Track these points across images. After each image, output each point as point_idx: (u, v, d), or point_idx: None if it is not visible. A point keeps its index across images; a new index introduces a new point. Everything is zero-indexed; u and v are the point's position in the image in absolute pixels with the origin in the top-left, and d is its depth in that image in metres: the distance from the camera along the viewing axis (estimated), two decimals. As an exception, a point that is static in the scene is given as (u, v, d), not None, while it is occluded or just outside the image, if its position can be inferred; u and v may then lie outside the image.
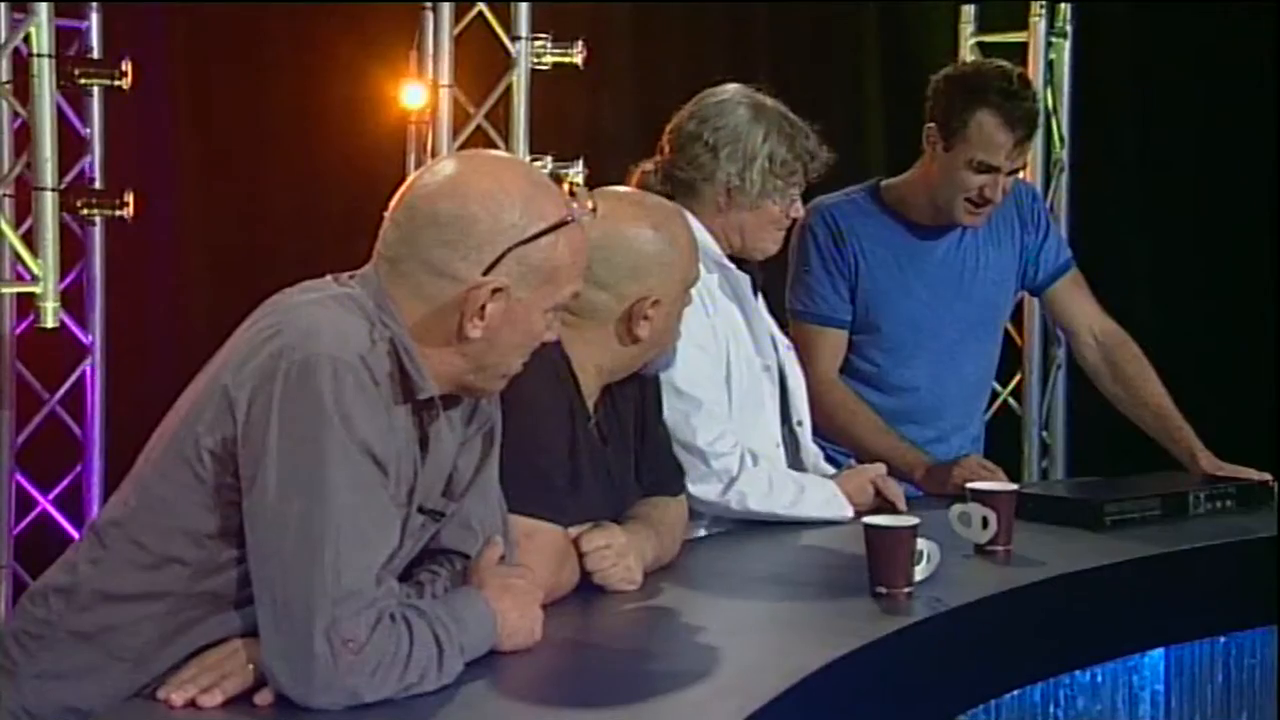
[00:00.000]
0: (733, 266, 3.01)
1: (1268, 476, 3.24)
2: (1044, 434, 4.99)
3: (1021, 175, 4.60)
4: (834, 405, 3.35)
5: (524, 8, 3.97)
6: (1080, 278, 3.59)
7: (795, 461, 3.09)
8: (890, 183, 3.51)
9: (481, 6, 4.02)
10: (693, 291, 2.81)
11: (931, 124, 3.38)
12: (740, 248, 3.02)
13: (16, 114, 3.66)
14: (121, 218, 3.85)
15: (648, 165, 3.05)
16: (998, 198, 3.34)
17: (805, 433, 3.13)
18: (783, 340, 3.16)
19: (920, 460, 3.31)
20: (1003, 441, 4.79)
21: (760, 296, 3.14)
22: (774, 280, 3.36)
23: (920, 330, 3.46)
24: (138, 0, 4.25)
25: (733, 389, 2.93)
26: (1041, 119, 4.75)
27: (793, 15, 5.24)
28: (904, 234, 3.46)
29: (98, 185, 4.02)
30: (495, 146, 3.93)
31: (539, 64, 4.01)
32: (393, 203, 2.06)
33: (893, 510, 2.93)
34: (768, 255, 3.08)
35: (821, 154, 3.01)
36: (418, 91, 4.09)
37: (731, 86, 3.04)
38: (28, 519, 4.07)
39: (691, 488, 2.80)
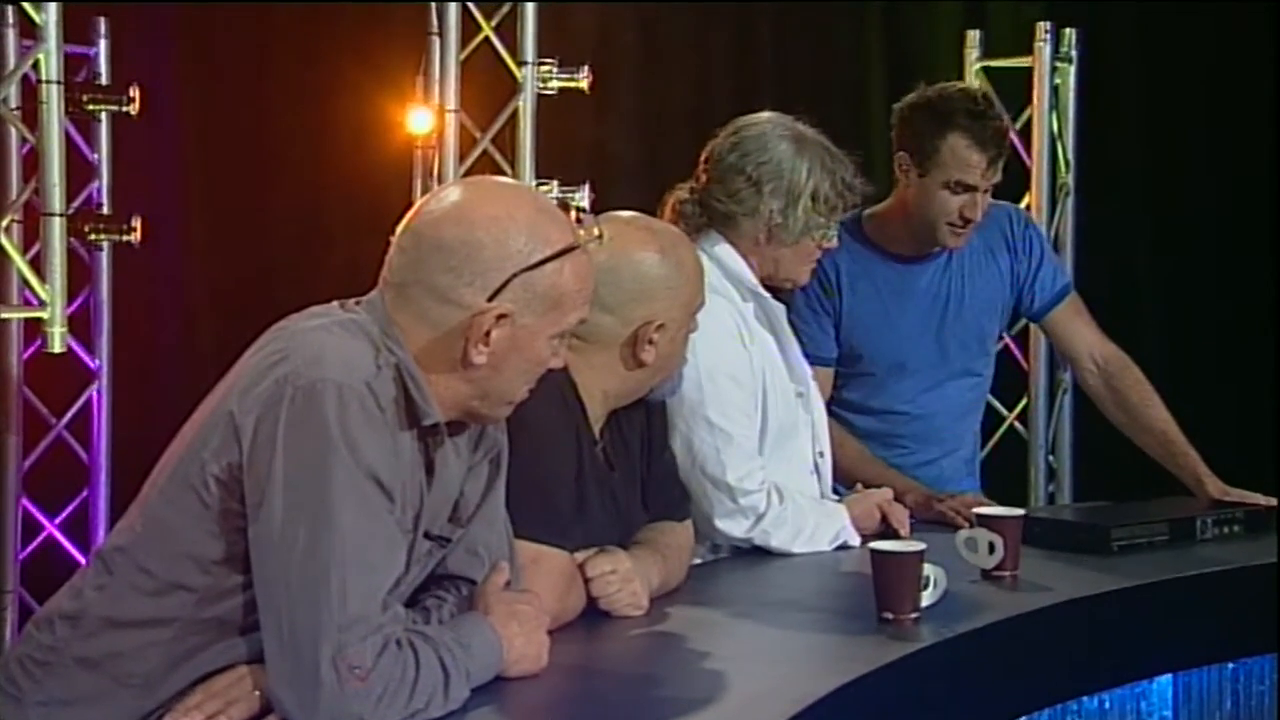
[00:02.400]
0: (768, 296, 2.99)
1: (1275, 501, 3.23)
2: (1050, 458, 4.97)
3: (1027, 200, 4.67)
4: None
5: (530, 33, 3.97)
6: (1080, 303, 3.58)
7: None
8: (871, 213, 3.49)
9: (488, 31, 4.02)
10: (729, 323, 2.83)
11: (902, 152, 3.39)
12: (772, 276, 3.00)
13: (25, 140, 3.67)
14: (129, 243, 3.85)
15: (683, 193, 3.00)
16: (978, 216, 3.35)
17: (826, 464, 3.11)
18: (808, 370, 3.15)
19: (910, 485, 3.29)
20: (1009, 466, 4.79)
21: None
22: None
23: (906, 361, 3.46)
24: (146, 0, 4.27)
25: (769, 419, 2.92)
26: (1048, 143, 4.81)
27: (796, 42, 5.25)
28: (886, 265, 3.46)
29: (105, 210, 4.03)
30: (501, 171, 3.93)
31: (545, 89, 4.01)
32: (399, 228, 2.06)
33: (898, 535, 2.93)
34: (798, 286, 3.08)
35: (859, 185, 2.99)
36: (424, 116, 4.09)
37: (768, 115, 3.01)
38: (34, 544, 4.06)
39: (718, 522, 2.83)
